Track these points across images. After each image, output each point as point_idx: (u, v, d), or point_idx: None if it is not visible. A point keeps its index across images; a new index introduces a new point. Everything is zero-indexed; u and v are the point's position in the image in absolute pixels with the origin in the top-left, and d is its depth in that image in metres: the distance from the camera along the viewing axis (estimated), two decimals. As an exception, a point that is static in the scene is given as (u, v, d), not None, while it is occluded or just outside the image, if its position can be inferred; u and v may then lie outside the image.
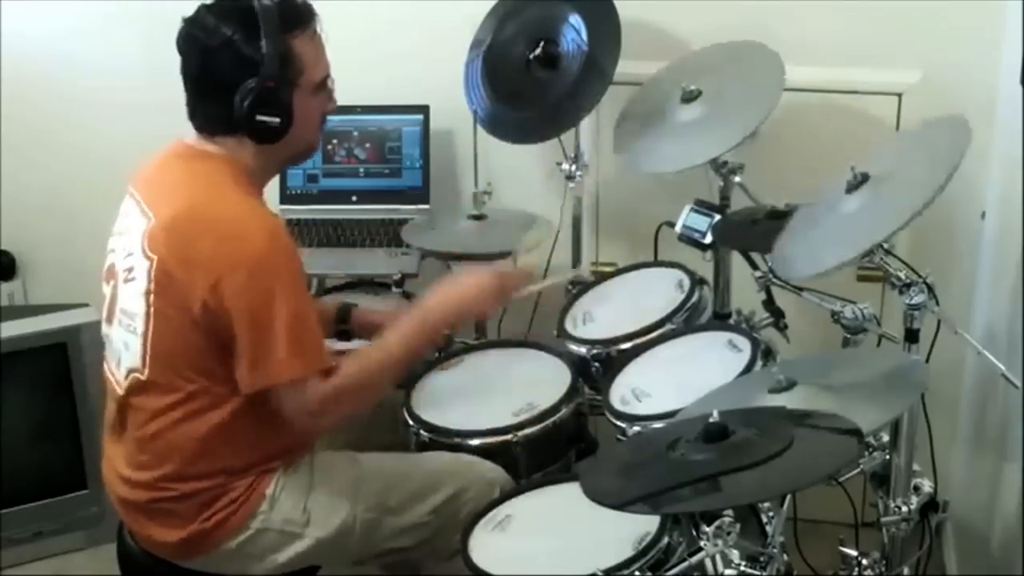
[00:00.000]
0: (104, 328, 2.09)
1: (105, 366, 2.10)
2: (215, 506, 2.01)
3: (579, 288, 2.69)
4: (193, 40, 1.96)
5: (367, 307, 2.44)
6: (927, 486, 2.04)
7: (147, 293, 1.95)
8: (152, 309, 1.95)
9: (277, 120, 1.96)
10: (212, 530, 2.02)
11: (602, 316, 2.51)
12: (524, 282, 2.24)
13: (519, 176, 2.97)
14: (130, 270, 1.99)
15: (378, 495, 2.10)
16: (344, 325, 2.37)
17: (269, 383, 1.93)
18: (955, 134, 1.91)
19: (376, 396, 2.12)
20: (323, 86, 2.05)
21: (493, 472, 2.17)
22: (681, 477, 1.59)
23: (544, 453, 2.27)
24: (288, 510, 2.05)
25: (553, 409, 2.27)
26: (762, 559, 1.78)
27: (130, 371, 2.00)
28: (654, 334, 2.36)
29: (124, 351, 2.02)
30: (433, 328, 2.13)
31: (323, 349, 1.98)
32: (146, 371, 1.98)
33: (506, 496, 2.11)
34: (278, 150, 2.03)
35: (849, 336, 2.11)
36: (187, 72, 1.99)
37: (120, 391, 2.03)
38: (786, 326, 2.39)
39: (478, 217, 2.72)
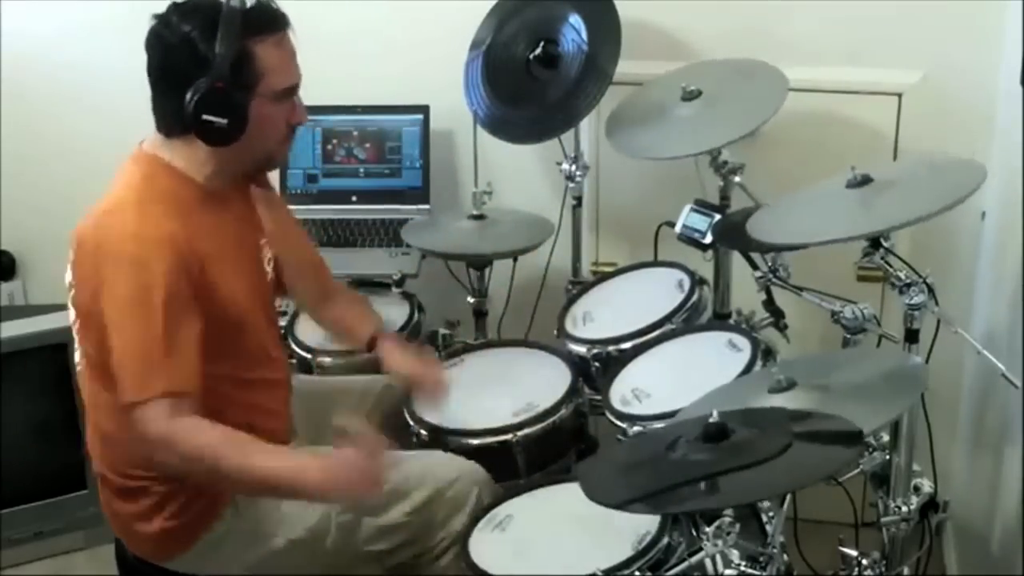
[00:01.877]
0: None
1: None
2: (177, 501, 2.00)
3: (579, 288, 2.69)
4: (155, 36, 1.96)
5: (397, 347, 2.35)
6: (927, 486, 2.04)
7: (71, 286, 1.99)
8: (75, 304, 1.99)
9: (225, 122, 1.92)
10: (181, 528, 2.01)
11: (602, 316, 2.52)
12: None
13: (519, 176, 2.97)
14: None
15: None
16: (371, 352, 2.33)
17: (133, 398, 1.86)
18: (967, 171, 1.92)
19: (196, 477, 1.95)
20: (288, 95, 2.00)
21: (473, 471, 2.15)
22: (681, 477, 1.59)
23: (544, 453, 2.27)
24: (261, 509, 2.04)
25: (553, 409, 2.28)
26: (762, 559, 1.78)
27: (77, 364, 2.04)
28: (654, 334, 2.36)
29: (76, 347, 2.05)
30: (304, 489, 1.94)
31: (173, 373, 1.86)
32: (82, 361, 2.01)
33: (506, 496, 2.11)
34: (235, 155, 1.99)
35: (849, 336, 2.11)
36: (148, 69, 1.98)
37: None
38: (786, 326, 2.39)
39: (478, 217, 2.72)
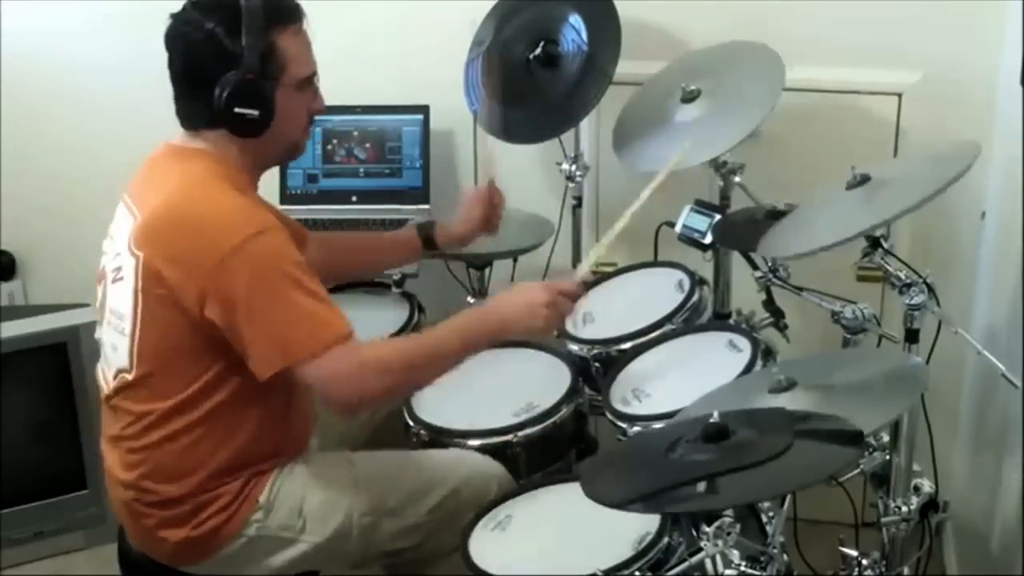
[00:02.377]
0: (97, 331, 2.09)
1: (98, 368, 2.10)
2: (207, 511, 2.00)
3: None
4: (177, 34, 1.97)
5: (444, 223, 2.52)
6: (927, 486, 2.04)
7: (136, 291, 1.95)
8: (141, 307, 1.95)
9: (256, 113, 1.96)
10: (205, 538, 2.01)
11: (602, 316, 2.51)
12: (577, 297, 2.14)
13: (519, 176, 2.97)
14: (118, 269, 1.99)
15: (375, 498, 2.09)
16: (432, 250, 2.48)
17: (286, 363, 1.90)
18: (963, 151, 1.91)
19: (416, 379, 2.07)
20: (308, 83, 2.05)
21: (489, 467, 2.17)
22: (681, 477, 1.59)
23: (544, 453, 2.27)
24: (284, 515, 2.05)
25: (553, 409, 2.28)
26: (762, 559, 1.78)
27: (118, 372, 2.01)
28: (654, 334, 2.36)
29: (113, 353, 2.02)
30: (488, 330, 2.07)
31: (332, 319, 1.93)
32: (133, 371, 1.98)
33: (506, 496, 2.11)
34: (262, 146, 2.02)
35: (849, 336, 2.11)
36: (172, 67, 1.99)
37: (108, 392, 2.04)
38: (786, 326, 2.39)
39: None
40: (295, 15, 2.01)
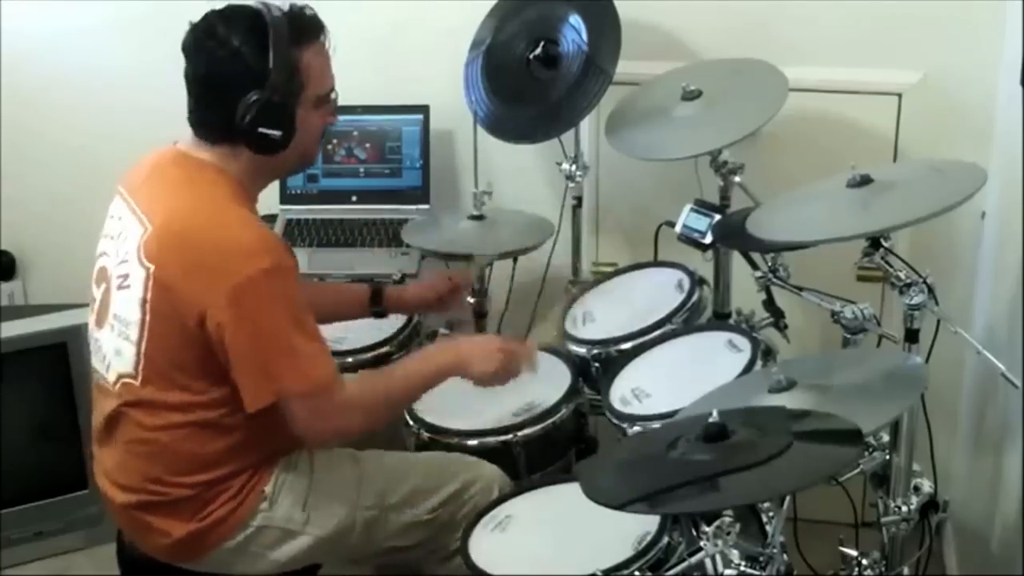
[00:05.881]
0: (93, 331, 2.08)
1: (93, 370, 2.09)
2: (212, 505, 2.01)
3: (579, 288, 2.69)
4: (201, 46, 1.95)
5: (398, 288, 2.57)
6: (927, 486, 2.04)
7: (143, 302, 1.94)
8: (148, 318, 1.94)
9: (279, 133, 1.96)
10: (210, 529, 2.01)
11: (602, 316, 2.52)
12: (529, 360, 2.21)
13: (519, 176, 2.97)
14: (125, 277, 1.98)
15: (379, 494, 2.10)
16: (377, 307, 2.48)
17: (276, 398, 1.93)
18: (967, 174, 1.91)
19: (386, 416, 2.15)
20: (326, 100, 2.04)
21: (494, 473, 2.17)
22: (681, 477, 1.59)
23: (544, 453, 2.27)
24: (288, 508, 2.05)
25: (553, 409, 2.28)
26: (762, 559, 1.78)
27: (121, 376, 2.00)
28: (654, 334, 2.36)
29: (115, 357, 2.01)
30: (446, 366, 2.14)
31: (326, 360, 1.97)
32: (139, 378, 1.98)
33: (506, 496, 2.11)
34: (273, 161, 2.01)
35: (849, 336, 2.11)
36: (192, 77, 1.98)
37: (112, 397, 2.03)
38: (786, 326, 2.39)
39: (478, 217, 2.72)
40: (318, 32, 2.00)
